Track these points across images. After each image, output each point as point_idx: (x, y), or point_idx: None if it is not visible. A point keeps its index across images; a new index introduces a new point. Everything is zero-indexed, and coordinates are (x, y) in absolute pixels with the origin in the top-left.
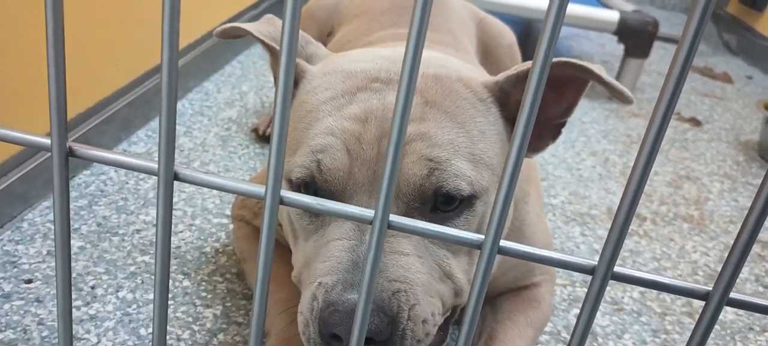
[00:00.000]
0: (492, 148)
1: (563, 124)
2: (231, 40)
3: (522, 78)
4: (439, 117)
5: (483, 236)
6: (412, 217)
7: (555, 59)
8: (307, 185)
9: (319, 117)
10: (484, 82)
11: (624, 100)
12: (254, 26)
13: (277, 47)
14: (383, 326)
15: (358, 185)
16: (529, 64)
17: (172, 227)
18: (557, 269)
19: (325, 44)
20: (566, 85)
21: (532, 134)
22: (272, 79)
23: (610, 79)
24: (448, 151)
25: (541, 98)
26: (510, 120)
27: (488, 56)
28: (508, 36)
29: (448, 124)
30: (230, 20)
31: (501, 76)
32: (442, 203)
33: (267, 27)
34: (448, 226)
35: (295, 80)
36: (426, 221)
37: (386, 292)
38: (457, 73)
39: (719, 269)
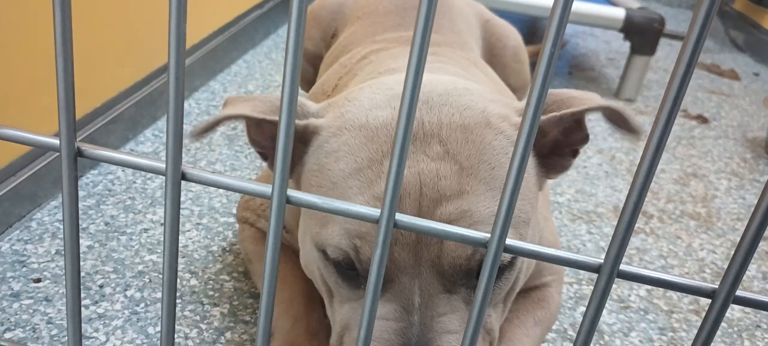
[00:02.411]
0: (528, 200)
1: (579, 149)
2: (203, 135)
3: (565, 119)
4: (478, 188)
5: (488, 235)
6: (458, 292)
7: (581, 109)
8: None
9: (349, 195)
10: (515, 124)
11: (636, 135)
12: (236, 108)
13: (266, 117)
14: None
15: (400, 269)
16: (573, 110)
17: (180, 226)
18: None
19: (328, 47)
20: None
21: (557, 156)
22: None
23: (626, 113)
24: (490, 226)
25: (567, 127)
26: (540, 156)
27: (494, 57)
28: (514, 37)
29: (488, 194)
30: (236, 20)
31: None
32: (479, 268)
33: (244, 105)
34: (493, 293)
35: (306, 139)
36: (471, 289)
37: None
38: (485, 117)
39: (726, 266)
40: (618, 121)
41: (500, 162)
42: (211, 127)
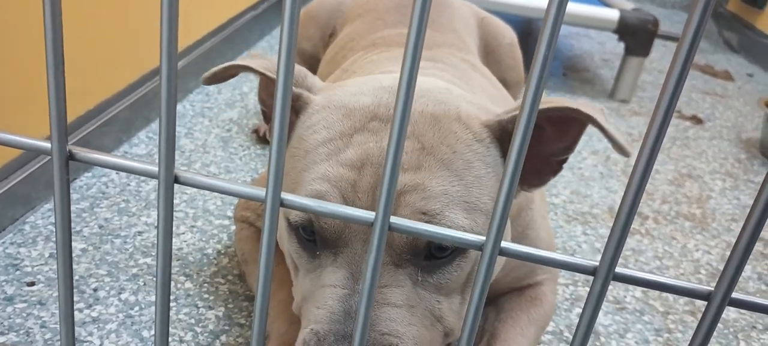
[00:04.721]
0: (488, 193)
1: (565, 160)
2: (221, 81)
3: (543, 115)
4: (435, 166)
5: (484, 238)
6: (404, 266)
7: (559, 105)
8: (305, 228)
9: (316, 160)
10: (484, 122)
11: (622, 153)
12: (246, 61)
13: (274, 76)
14: None
15: (354, 234)
16: (552, 106)
17: (174, 228)
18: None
19: (327, 46)
20: (569, 124)
21: (533, 169)
22: (260, 109)
23: (611, 129)
24: (441, 202)
25: (543, 135)
26: None
27: (489, 55)
28: (509, 35)
29: (443, 173)
30: (230, 22)
31: (504, 115)
32: (436, 250)
33: (258, 60)
34: (439, 273)
35: (297, 110)
36: (418, 269)
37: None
38: (456, 112)
39: (722, 267)
40: (592, 123)
41: (461, 152)
42: (221, 73)
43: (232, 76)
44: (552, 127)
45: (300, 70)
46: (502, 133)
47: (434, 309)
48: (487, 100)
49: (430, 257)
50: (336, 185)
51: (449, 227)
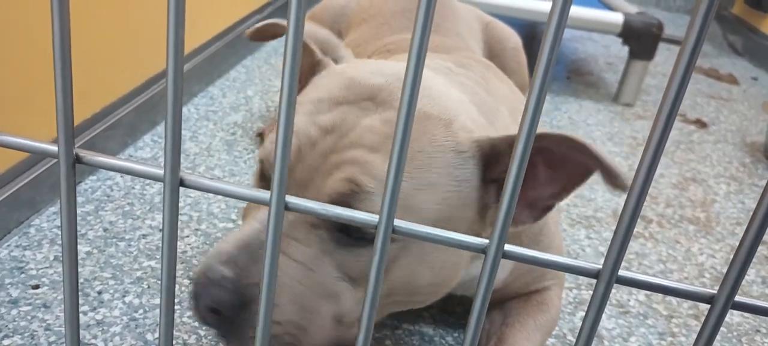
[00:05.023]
0: (437, 203)
1: (550, 207)
2: (264, 39)
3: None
4: (384, 149)
5: (487, 241)
6: (319, 229)
7: (552, 134)
8: (263, 175)
9: (298, 112)
10: (475, 139)
11: (621, 187)
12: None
13: (313, 45)
14: (226, 297)
15: (295, 184)
16: (560, 134)
17: (179, 231)
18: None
19: None
20: (564, 164)
21: (527, 202)
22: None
23: (610, 163)
24: (377, 186)
25: (532, 173)
26: (491, 181)
27: (494, 59)
28: (513, 39)
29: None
30: (235, 26)
31: (498, 137)
32: (354, 229)
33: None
34: (347, 251)
35: (315, 71)
36: (331, 238)
37: (251, 279)
38: (449, 119)
39: (725, 271)
40: (603, 172)
41: (429, 153)
42: (264, 30)
43: (275, 36)
44: (543, 167)
45: (334, 41)
46: (491, 153)
47: (333, 284)
48: (508, 115)
49: (344, 230)
50: (300, 140)
51: (370, 211)
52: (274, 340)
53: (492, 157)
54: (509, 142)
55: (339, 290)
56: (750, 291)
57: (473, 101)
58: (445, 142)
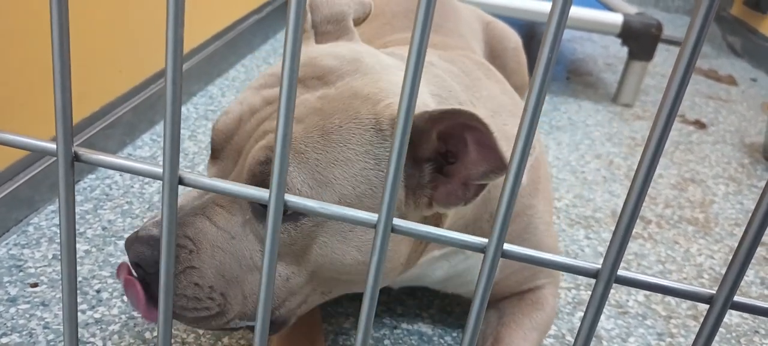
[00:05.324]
0: (353, 179)
1: (483, 186)
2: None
3: (435, 117)
4: (312, 127)
5: (486, 240)
6: (243, 201)
7: (449, 109)
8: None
9: (250, 85)
10: (380, 117)
11: (501, 166)
12: None
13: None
14: (149, 253)
15: (232, 151)
16: (455, 108)
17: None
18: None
19: None
20: (489, 147)
21: (440, 185)
22: None
23: (495, 139)
24: (294, 159)
25: (464, 151)
26: (424, 160)
27: (495, 59)
28: (514, 39)
29: (314, 136)
30: (234, 25)
31: (416, 114)
32: None
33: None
34: (265, 224)
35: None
36: (253, 210)
37: (177, 241)
38: (377, 97)
39: (724, 271)
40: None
41: (348, 129)
42: None
43: None
44: (476, 147)
45: (344, 12)
46: (413, 131)
47: (253, 255)
48: (486, 111)
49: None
50: (243, 107)
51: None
52: (196, 302)
53: (415, 135)
54: (424, 117)
55: (261, 264)
56: (749, 292)
57: (434, 93)
58: (366, 119)
